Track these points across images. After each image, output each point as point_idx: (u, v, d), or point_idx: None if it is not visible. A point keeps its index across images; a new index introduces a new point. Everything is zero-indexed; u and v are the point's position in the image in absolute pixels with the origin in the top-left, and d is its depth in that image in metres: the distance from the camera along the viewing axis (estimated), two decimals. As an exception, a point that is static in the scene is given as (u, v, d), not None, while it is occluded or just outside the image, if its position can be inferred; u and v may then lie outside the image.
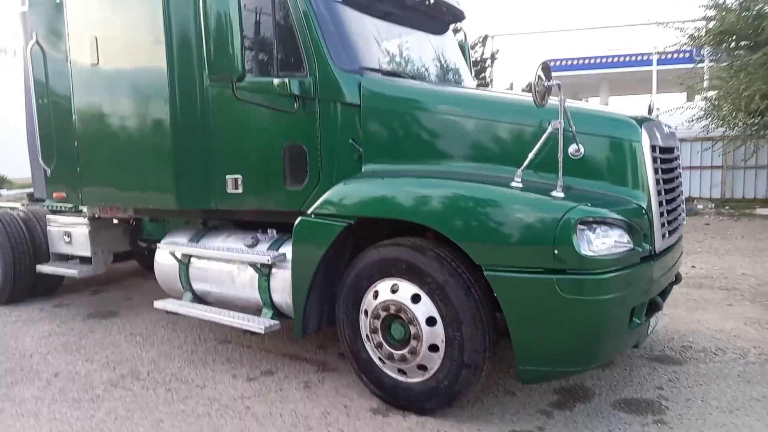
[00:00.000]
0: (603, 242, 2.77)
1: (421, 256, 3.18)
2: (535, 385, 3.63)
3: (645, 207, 2.99)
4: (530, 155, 2.94)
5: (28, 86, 5.49)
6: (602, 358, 2.95)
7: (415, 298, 3.21)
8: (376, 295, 3.39)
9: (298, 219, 3.71)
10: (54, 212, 6.48)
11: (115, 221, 5.89)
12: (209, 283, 4.40)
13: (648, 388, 3.61)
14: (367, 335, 3.48)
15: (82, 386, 4.00)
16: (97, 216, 5.66)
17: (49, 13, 5.12)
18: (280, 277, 3.92)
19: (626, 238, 2.84)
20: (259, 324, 3.87)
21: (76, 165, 5.05)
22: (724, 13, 10.20)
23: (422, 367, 3.25)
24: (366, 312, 3.45)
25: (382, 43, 4.12)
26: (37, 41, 5.22)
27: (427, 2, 4.48)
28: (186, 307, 4.39)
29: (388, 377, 3.43)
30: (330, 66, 3.65)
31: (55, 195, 5.38)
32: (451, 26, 5.17)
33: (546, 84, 2.80)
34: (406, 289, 3.25)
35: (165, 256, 4.65)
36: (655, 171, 3.09)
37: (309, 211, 3.65)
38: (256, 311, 4.20)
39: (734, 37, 9.67)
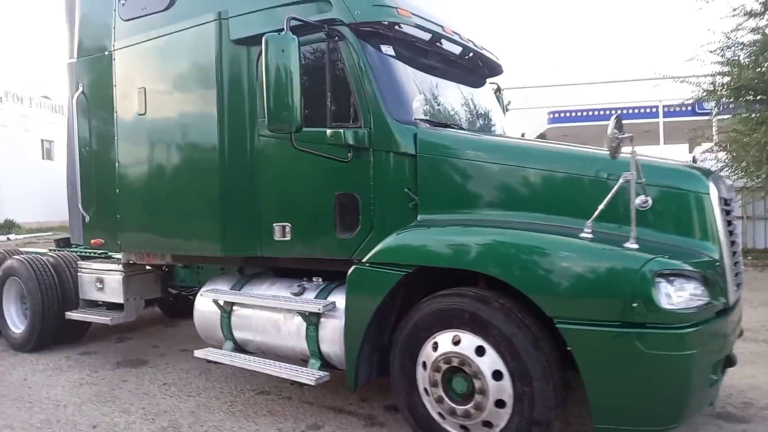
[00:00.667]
0: (680, 295, 2.72)
1: (486, 307, 3.13)
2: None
3: (717, 259, 2.95)
4: (600, 207, 2.93)
5: (71, 135, 5.58)
6: (685, 417, 2.85)
7: (480, 351, 3.14)
8: (435, 346, 3.31)
9: (353, 267, 3.67)
10: (85, 258, 6.48)
11: (148, 267, 5.86)
12: (253, 331, 4.32)
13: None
14: (425, 389, 3.38)
15: (124, 440, 3.87)
16: (131, 262, 5.64)
17: (96, 65, 5.25)
18: (329, 327, 3.85)
19: (702, 290, 2.79)
20: (309, 375, 3.78)
21: (116, 212, 5.07)
22: (737, 69, 10.42)
23: (487, 424, 3.14)
24: (425, 364, 3.37)
25: (429, 96, 4.19)
26: (83, 92, 5.33)
27: (467, 56, 4.59)
28: (229, 357, 4.29)
29: (448, 434, 3.30)
30: (385, 117, 3.70)
31: (92, 241, 5.37)
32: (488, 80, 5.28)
33: (619, 136, 2.82)
34: (470, 340, 3.18)
35: (206, 304, 4.58)
36: (725, 223, 3.07)
37: (364, 260, 3.61)
38: (300, 361, 4.12)
39: (751, 92, 9.85)
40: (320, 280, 4.19)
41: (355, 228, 3.82)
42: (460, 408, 3.19)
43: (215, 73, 4.30)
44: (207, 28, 4.33)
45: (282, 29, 3.52)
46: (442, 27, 4.24)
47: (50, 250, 7.37)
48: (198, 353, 4.45)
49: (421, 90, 4.11)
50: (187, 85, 4.55)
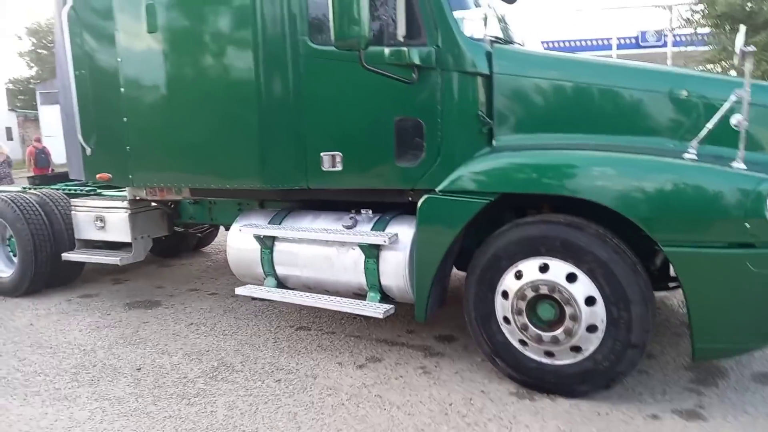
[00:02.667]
0: (790, 216, 2.73)
1: (580, 233, 3.06)
2: (664, 364, 3.62)
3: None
4: (709, 125, 2.87)
5: (60, 57, 4.94)
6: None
7: (571, 277, 3.10)
8: (519, 275, 3.25)
9: (425, 197, 3.50)
10: (77, 195, 5.96)
11: (153, 204, 5.45)
12: (300, 266, 4.11)
13: None
14: (505, 317, 3.34)
15: (178, 380, 3.68)
16: (137, 198, 5.22)
17: (88, -26, 4.58)
18: (392, 259, 3.72)
19: None
20: (376, 309, 3.66)
21: (125, 143, 4.60)
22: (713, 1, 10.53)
23: (576, 349, 3.15)
24: (505, 293, 3.31)
25: (486, 10, 3.93)
26: (72, 6, 4.66)
27: None
28: (278, 293, 4.10)
29: (530, 360, 3.31)
30: (455, 34, 3.44)
31: (98, 176, 4.88)
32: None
33: (746, 50, 2.72)
34: (560, 268, 3.12)
35: (242, 240, 4.31)
36: None
37: (439, 188, 3.44)
38: (353, 295, 3.99)
39: (730, 21, 10.02)
40: (370, 212, 4.00)
41: (419, 156, 3.61)
42: (547, 334, 3.18)
43: None
44: (236, -69, 3.83)
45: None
46: None
47: (25, 188, 6.74)
48: (240, 290, 4.23)
49: (477, 3, 3.84)
50: (213, 2, 4.05)
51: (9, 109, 37.37)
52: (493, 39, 3.62)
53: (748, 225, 2.69)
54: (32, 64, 46.38)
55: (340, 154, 3.85)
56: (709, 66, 13.12)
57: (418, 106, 3.57)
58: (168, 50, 4.27)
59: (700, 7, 11.16)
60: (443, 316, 4.30)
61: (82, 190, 6.21)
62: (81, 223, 5.54)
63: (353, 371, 3.73)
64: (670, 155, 2.96)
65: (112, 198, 5.55)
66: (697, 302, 2.85)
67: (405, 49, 3.49)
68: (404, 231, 3.73)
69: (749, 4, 9.69)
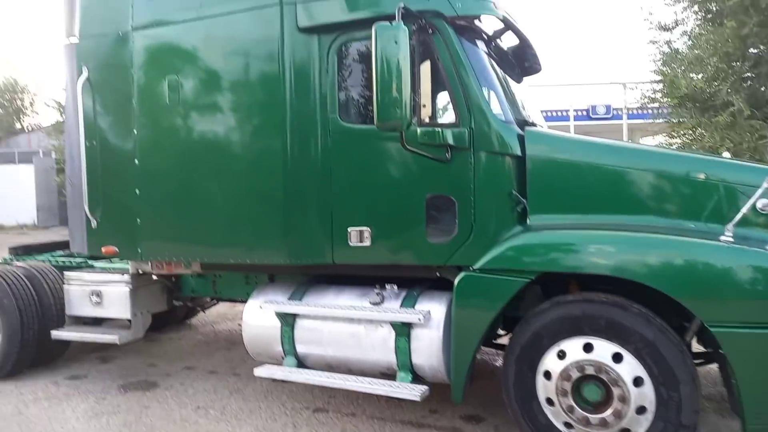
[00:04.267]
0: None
1: (624, 313, 3.11)
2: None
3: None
4: (743, 210, 3.02)
5: (71, 126, 4.84)
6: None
7: (617, 357, 3.11)
8: (562, 355, 3.24)
9: (462, 275, 3.50)
10: (66, 267, 5.68)
11: (154, 277, 5.25)
12: (323, 345, 3.99)
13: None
14: (548, 398, 3.29)
15: (201, 476, 3.41)
16: (140, 272, 5.02)
17: (106, 47, 4.57)
18: (425, 338, 3.66)
19: None
20: (411, 390, 3.56)
21: (136, 215, 4.49)
22: (668, 80, 11.36)
23: (625, 431, 3.12)
24: (547, 374, 3.28)
25: (512, 93, 4.12)
26: (88, 77, 4.63)
27: (532, 51, 4.56)
28: (303, 375, 3.94)
29: (575, 443, 3.25)
30: (488, 116, 3.57)
31: (104, 249, 4.69)
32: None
33: None
34: (605, 347, 3.14)
35: (261, 317, 4.17)
36: None
37: (476, 266, 3.45)
38: (380, 375, 3.87)
39: (691, 101, 10.77)
40: (395, 287, 3.97)
41: (451, 232, 3.65)
42: (595, 416, 3.15)
43: (277, 64, 3.93)
44: (267, 14, 3.95)
45: (393, 18, 3.28)
46: (512, 18, 4.15)
47: (5, 259, 6.40)
48: (260, 372, 4.04)
49: (505, 87, 4.02)
50: (239, 76, 4.11)
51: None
52: (522, 120, 3.77)
53: (795, 305, 2.79)
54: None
55: (369, 229, 3.85)
56: (662, 138, 13.96)
57: (451, 183, 3.64)
58: (189, 123, 4.26)
59: (660, 86, 11.96)
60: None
61: (71, 262, 5.93)
62: (74, 299, 5.25)
63: (386, 458, 3.57)
64: (708, 237, 3.08)
65: (109, 271, 5.31)
66: (748, 383, 2.89)
67: (439, 129, 3.59)
68: (435, 308, 3.70)
69: (707, 89, 10.46)
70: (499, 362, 5.20)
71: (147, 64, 4.38)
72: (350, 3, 3.78)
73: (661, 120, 12.64)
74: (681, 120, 11.67)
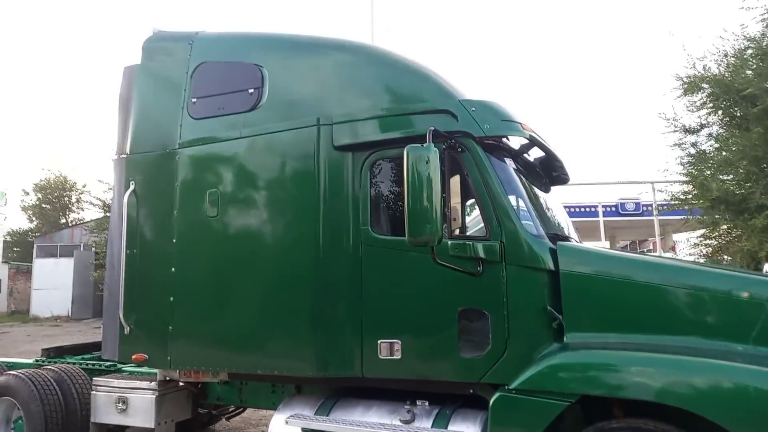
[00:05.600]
0: None
1: (673, 443, 2.90)
2: None
3: None
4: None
5: (114, 236, 5.04)
6: None
7: (667, 490, 2.87)
8: (607, 486, 3.01)
9: (498, 394, 3.37)
10: (96, 371, 5.69)
11: (181, 384, 5.19)
12: (351, 465, 3.80)
13: None
14: None
15: None
16: (167, 379, 4.98)
17: (154, 163, 4.85)
18: (458, 461, 3.45)
19: None
20: None
21: (168, 323, 4.53)
22: (698, 183, 11.35)
23: None
24: (594, 506, 3.03)
25: (542, 207, 4.17)
26: (134, 190, 4.89)
27: (559, 163, 4.65)
28: (328, 498, 3.72)
29: None
30: (519, 231, 3.59)
31: (134, 357, 4.70)
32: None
33: None
34: (653, 479, 2.91)
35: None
36: None
37: (513, 386, 3.33)
38: (410, 500, 3.63)
39: (724, 204, 10.69)
40: (427, 403, 3.82)
41: (484, 348, 3.56)
42: None
43: (314, 180, 4.10)
44: (305, 133, 4.18)
45: (423, 140, 3.43)
46: (538, 135, 4.28)
47: (38, 360, 6.45)
48: (285, 494, 3.84)
49: (534, 199, 4.07)
50: (275, 191, 4.30)
51: (2, 261, 37.42)
52: (554, 234, 3.78)
53: None
54: (33, 218, 47.51)
55: (399, 342, 3.78)
56: (696, 239, 13.66)
57: (483, 297, 3.61)
58: (225, 235, 4.39)
59: (691, 188, 11.95)
60: None
61: (101, 365, 5.94)
62: (101, 405, 5.16)
63: None
64: (759, 362, 2.92)
65: (137, 377, 5.28)
66: None
67: (470, 243, 3.62)
68: (469, 429, 3.53)
69: (738, 191, 10.41)
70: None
71: (190, 179, 4.61)
72: (383, 124, 3.98)
73: (693, 217, 12.49)
74: (715, 218, 11.51)
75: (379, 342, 3.83)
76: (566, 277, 3.49)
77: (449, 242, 3.62)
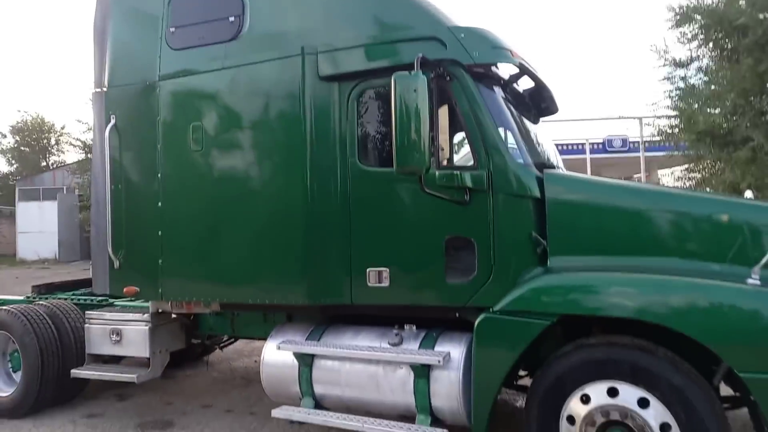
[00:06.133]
0: None
1: (651, 357, 3.06)
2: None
3: None
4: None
5: (98, 172, 4.96)
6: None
7: (643, 403, 3.04)
8: (586, 399, 3.18)
9: (482, 316, 3.48)
10: (88, 306, 5.76)
11: (173, 316, 5.29)
12: (341, 386, 3.96)
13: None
14: (571, 444, 3.21)
15: None
16: (159, 311, 5.06)
17: (134, 96, 4.72)
18: (444, 380, 3.62)
19: None
20: (432, 435, 3.50)
21: (158, 256, 4.55)
22: (685, 116, 11.37)
23: (650, 476, 3.02)
24: (571, 419, 3.22)
25: (530, 136, 4.16)
26: (115, 124, 4.78)
27: (548, 93, 4.61)
28: (321, 416, 3.90)
29: (600, 488, 3.15)
30: (507, 160, 3.61)
31: (125, 290, 4.75)
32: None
33: None
34: (630, 392, 3.08)
35: (279, 357, 4.16)
36: None
37: (497, 308, 3.44)
38: (398, 417, 3.82)
39: (709, 136, 10.76)
40: (414, 327, 3.95)
41: (470, 274, 3.65)
42: (620, 462, 3.06)
43: (299, 111, 4.03)
44: (289, 63, 4.07)
45: (411, 67, 3.37)
46: (528, 63, 4.22)
47: (29, 297, 6.51)
48: (278, 413, 4.02)
49: (523, 129, 4.07)
50: (261, 123, 4.23)
51: (-17, 205, 36.94)
52: (541, 162, 3.81)
53: (824, 349, 2.73)
54: (13, 161, 46.53)
55: (387, 269, 3.86)
56: (681, 172, 13.90)
57: (470, 225, 3.66)
58: (212, 167, 4.36)
59: (677, 121, 11.97)
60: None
61: (93, 300, 6.01)
62: (95, 337, 5.29)
63: (407, 505, 3.48)
64: (733, 280, 3.04)
65: (129, 310, 5.36)
66: (780, 429, 2.81)
67: (458, 172, 3.64)
68: (455, 349, 3.67)
69: (725, 124, 10.46)
70: (520, 403, 5.10)
71: (172, 112, 4.51)
72: (369, 53, 3.89)
73: (678, 153, 12.60)
74: (700, 153, 11.63)
75: (367, 270, 3.90)
76: (552, 203, 3.54)
77: (437, 172, 3.64)
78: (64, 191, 29.11)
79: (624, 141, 25.19)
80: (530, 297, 3.35)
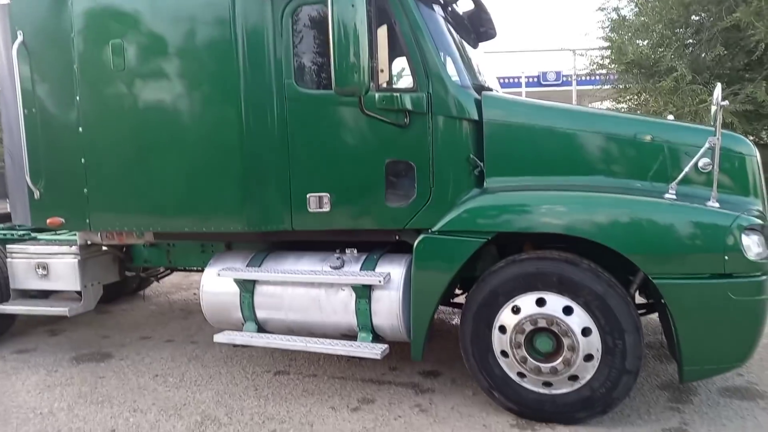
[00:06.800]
0: (757, 247, 3.09)
1: (575, 269, 3.27)
2: (639, 385, 3.87)
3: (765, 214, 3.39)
4: (686, 169, 3.20)
5: (6, 94, 4.56)
6: (753, 353, 3.26)
7: (567, 310, 3.28)
8: (516, 309, 3.39)
9: (421, 237, 3.57)
10: (8, 240, 5.43)
11: (104, 248, 5.10)
12: (284, 310, 4.01)
13: (734, 378, 4.01)
14: (503, 351, 3.45)
15: (164, 441, 3.42)
16: (88, 243, 4.86)
17: (43, 9, 4.28)
18: (385, 299, 3.73)
19: (764, 242, 3.19)
20: (372, 350, 3.64)
21: (83, 185, 4.32)
22: (615, 47, 11.68)
23: (573, 378, 3.32)
24: (502, 328, 3.43)
25: (467, 58, 4.15)
26: (23, 41, 4.34)
27: (487, 17, 4.59)
28: (263, 339, 3.96)
29: (528, 391, 3.43)
30: (446, 82, 3.60)
31: (48, 221, 4.50)
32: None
33: (721, 104, 3.08)
34: (556, 302, 3.30)
35: (219, 284, 4.14)
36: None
37: (436, 228, 3.53)
38: (340, 336, 3.95)
39: (637, 67, 11.14)
40: (355, 251, 4.02)
41: (410, 197, 3.70)
42: (545, 366, 3.33)
43: (229, 29, 3.80)
44: (218, -25, 3.78)
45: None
46: None
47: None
48: (220, 338, 4.04)
49: (462, 52, 4.05)
50: (188, 42, 3.96)
51: None
52: (479, 85, 3.83)
53: (727, 258, 3.01)
54: None
55: (328, 195, 3.85)
56: (609, 103, 14.51)
57: (410, 148, 3.67)
58: (137, 90, 4.08)
59: (608, 53, 12.29)
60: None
61: (13, 235, 5.67)
62: (19, 272, 5.05)
63: (348, 415, 3.67)
64: (652, 195, 3.25)
65: (55, 243, 5.11)
66: (685, 328, 3.12)
67: (397, 95, 3.60)
68: (395, 270, 3.77)
69: (652, 55, 10.82)
70: (455, 321, 5.39)
71: (88, 28, 4.13)
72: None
73: (608, 86, 13.03)
74: (627, 86, 12.09)
75: (307, 195, 3.87)
76: (489, 125, 3.59)
77: (377, 95, 3.58)
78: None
79: (558, 74, 25.68)
80: (467, 217, 3.46)
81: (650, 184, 3.39)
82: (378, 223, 3.82)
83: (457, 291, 4.37)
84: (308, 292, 3.93)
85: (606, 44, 12.36)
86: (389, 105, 3.59)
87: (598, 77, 14.12)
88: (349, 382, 4.19)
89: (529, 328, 3.35)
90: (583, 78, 21.57)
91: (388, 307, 3.73)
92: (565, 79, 25.21)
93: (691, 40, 11.08)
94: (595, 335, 3.23)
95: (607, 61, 12.11)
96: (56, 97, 4.34)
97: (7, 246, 5.15)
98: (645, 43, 11.59)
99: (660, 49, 10.92)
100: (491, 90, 4.04)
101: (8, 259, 5.09)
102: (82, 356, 5.03)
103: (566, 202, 3.35)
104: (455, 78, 3.69)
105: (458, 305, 4.46)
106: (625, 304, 3.19)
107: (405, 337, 3.78)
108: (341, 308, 3.84)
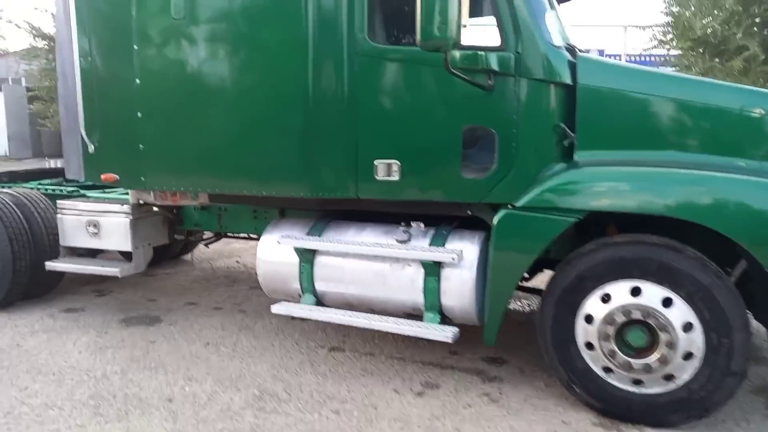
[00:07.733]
0: None
1: (679, 256, 2.93)
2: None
3: None
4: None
5: (62, 42, 4.37)
6: None
7: (666, 302, 2.96)
8: (606, 298, 3.08)
9: (503, 212, 3.27)
10: (57, 196, 5.33)
11: (155, 209, 4.94)
12: (345, 283, 3.78)
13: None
14: (588, 342, 3.16)
15: (222, 414, 3.26)
16: (141, 203, 4.70)
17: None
18: (456, 278, 3.46)
19: None
20: (443, 332, 3.39)
21: (139, 141, 4.13)
22: (680, 24, 10.98)
23: (668, 377, 3.01)
24: (589, 317, 3.13)
25: (559, 17, 3.77)
26: None
27: None
28: (324, 313, 3.75)
29: (614, 388, 3.14)
30: (538, 41, 3.24)
31: (103, 177, 4.34)
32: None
33: None
34: (654, 292, 2.98)
35: (278, 252, 3.92)
36: None
37: (520, 204, 3.22)
38: (404, 315, 3.70)
39: (704, 45, 10.46)
40: (422, 224, 3.74)
41: (489, 168, 3.39)
42: (638, 361, 3.03)
43: None
44: None
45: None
46: None
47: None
48: (278, 309, 3.84)
49: (554, 7, 3.67)
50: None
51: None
52: (573, 47, 3.46)
53: None
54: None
55: (398, 162, 3.56)
56: None
57: (492, 114, 3.35)
58: (198, 39, 3.85)
59: (670, 29, 11.59)
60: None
61: (62, 191, 5.57)
62: (69, 229, 4.92)
63: (413, 399, 3.45)
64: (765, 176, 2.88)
65: (105, 201, 4.97)
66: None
67: (482, 53, 3.26)
68: (467, 247, 3.50)
69: (721, 32, 10.13)
70: (516, 305, 5.11)
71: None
72: None
73: (669, 67, 12.32)
74: (688, 63, 11.41)
75: (375, 162, 3.59)
76: (584, 91, 3.24)
77: (458, 53, 3.24)
78: (10, 81, 26.93)
79: (600, 53, 24.65)
80: (557, 193, 3.14)
81: (759, 164, 3.01)
82: (452, 196, 3.53)
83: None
84: (372, 265, 3.68)
85: (667, 20, 11.66)
86: (472, 64, 3.25)
87: (649, 58, 13.38)
88: (409, 364, 3.96)
89: (621, 319, 3.04)
90: (632, 58, 20.66)
91: (459, 287, 3.46)
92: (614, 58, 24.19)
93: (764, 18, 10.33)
94: (698, 331, 2.91)
95: (669, 38, 11.41)
96: (114, 46, 4.13)
97: (58, 202, 5.03)
98: (711, 19, 10.88)
99: (729, 26, 10.23)
100: (586, 52, 3.66)
101: (59, 215, 4.97)
102: (130, 319, 4.92)
103: (674, 180, 2.99)
104: (548, 37, 3.32)
105: (525, 289, 4.19)
106: (735, 299, 2.86)
107: (475, 319, 3.52)
108: (408, 285, 3.58)
